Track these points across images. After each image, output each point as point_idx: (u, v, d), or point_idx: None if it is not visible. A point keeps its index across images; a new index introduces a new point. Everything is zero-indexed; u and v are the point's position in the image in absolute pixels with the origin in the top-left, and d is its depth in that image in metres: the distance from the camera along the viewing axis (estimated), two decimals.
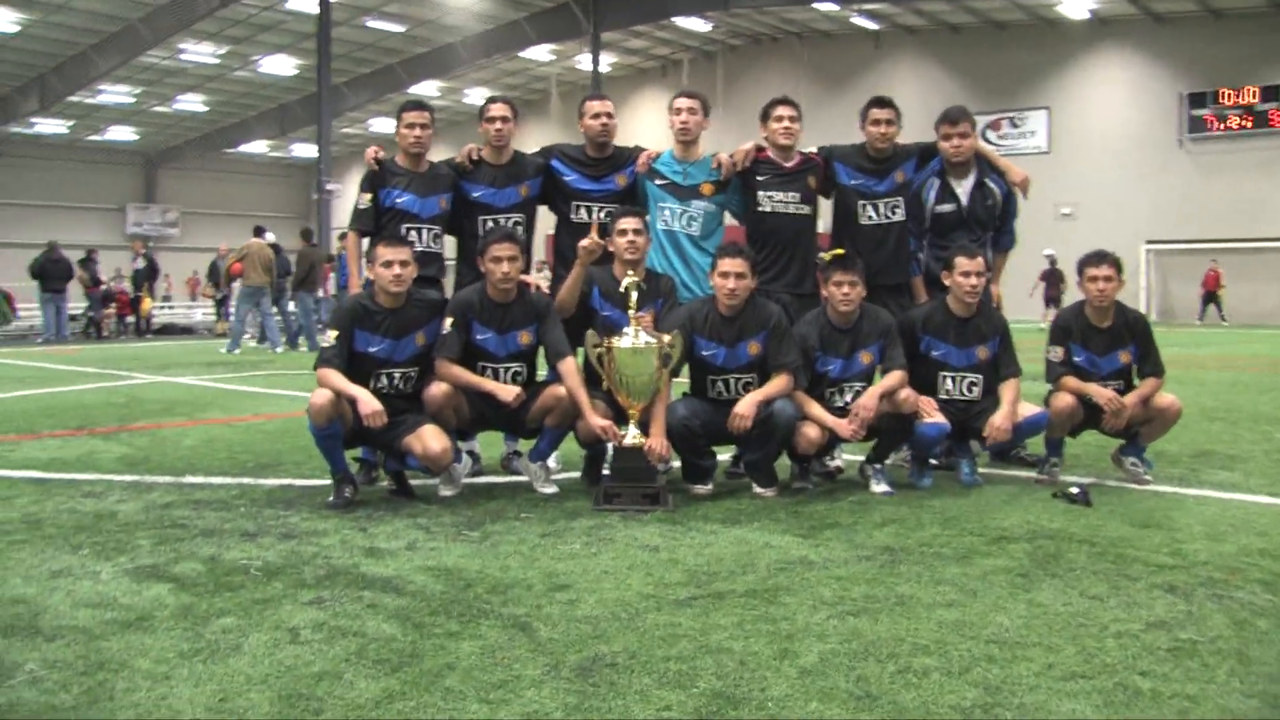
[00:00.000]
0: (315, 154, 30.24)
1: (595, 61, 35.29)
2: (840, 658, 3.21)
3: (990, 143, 34.11)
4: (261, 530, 4.87)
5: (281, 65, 38.09)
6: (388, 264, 5.48)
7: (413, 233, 6.01)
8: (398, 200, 6.06)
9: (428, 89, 41.37)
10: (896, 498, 5.64)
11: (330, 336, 5.51)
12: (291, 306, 19.81)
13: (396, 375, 5.60)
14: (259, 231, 19.59)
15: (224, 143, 49.15)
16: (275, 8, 31.38)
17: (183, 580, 4.05)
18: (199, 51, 35.63)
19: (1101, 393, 5.88)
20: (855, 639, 3.37)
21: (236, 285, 18.79)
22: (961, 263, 5.96)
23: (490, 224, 6.11)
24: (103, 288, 25.61)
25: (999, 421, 5.80)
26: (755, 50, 41.08)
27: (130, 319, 26.60)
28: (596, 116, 6.26)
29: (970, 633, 3.43)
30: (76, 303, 25.46)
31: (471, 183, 6.22)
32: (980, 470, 6.22)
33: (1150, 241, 32.65)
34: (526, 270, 5.99)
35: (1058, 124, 35.36)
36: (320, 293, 20.17)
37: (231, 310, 19.31)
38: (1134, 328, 6.08)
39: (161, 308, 31.86)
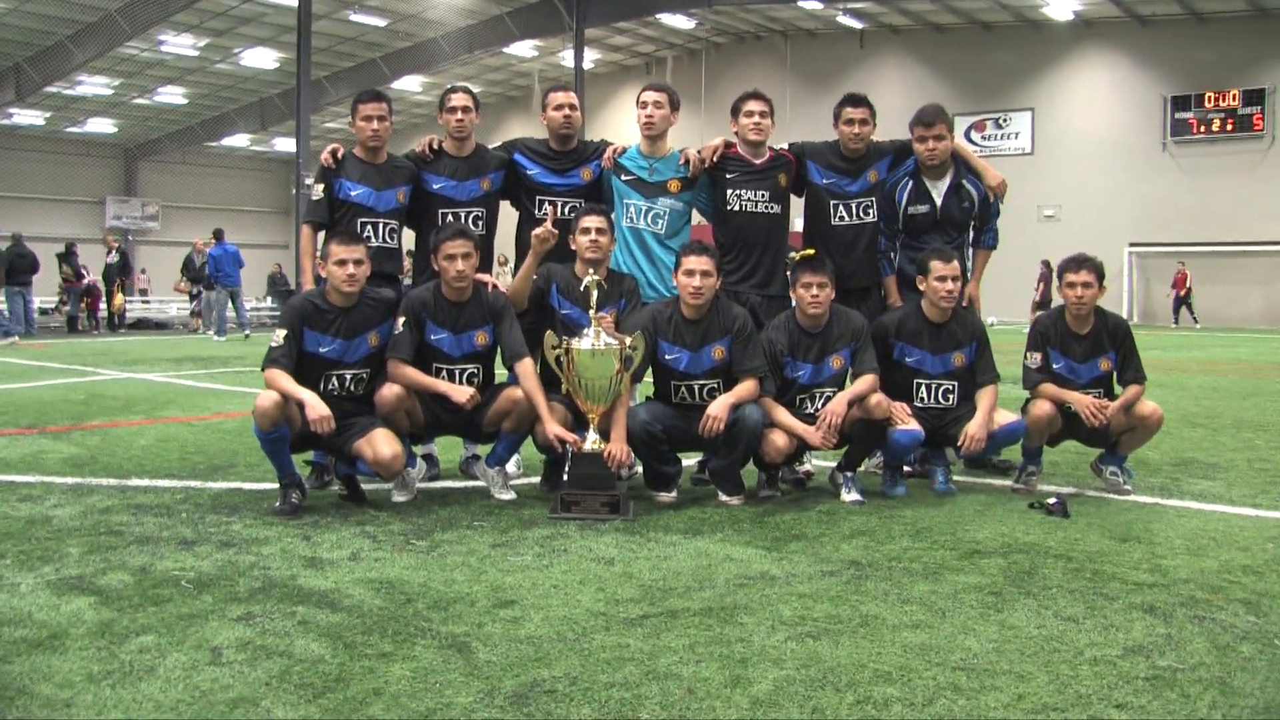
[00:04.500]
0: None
1: (578, 58, 34.94)
2: (796, 685, 3.00)
3: (974, 143, 34.06)
4: (200, 538, 4.64)
5: (262, 58, 37.60)
6: (341, 262, 5.24)
7: (368, 228, 5.78)
8: (352, 193, 5.81)
9: (410, 84, 41.03)
10: (867, 507, 5.43)
11: (279, 335, 5.26)
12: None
13: (348, 376, 5.36)
14: None
15: (205, 136, 48.55)
16: (255, 0, 31.05)
17: (107, 593, 3.82)
18: (179, 43, 35.09)
19: (1081, 400, 5.69)
20: (814, 664, 3.16)
21: None
22: (936, 267, 5.75)
23: (449, 218, 5.87)
24: (85, 281, 25.21)
25: (974, 430, 5.60)
26: (739, 48, 40.83)
27: (103, 314, 26.18)
28: (559, 108, 6.02)
29: (937, 658, 3.22)
30: (46, 296, 25.12)
31: (431, 174, 5.99)
32: (955, 478, 6.02)
33: (1133, 244, 32.58)
34: (485, 268, 5.75)
35: (1041, 125, 35.21)
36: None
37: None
38: (1115, 334, 5.89)
39: (133, 302, 31.31)
